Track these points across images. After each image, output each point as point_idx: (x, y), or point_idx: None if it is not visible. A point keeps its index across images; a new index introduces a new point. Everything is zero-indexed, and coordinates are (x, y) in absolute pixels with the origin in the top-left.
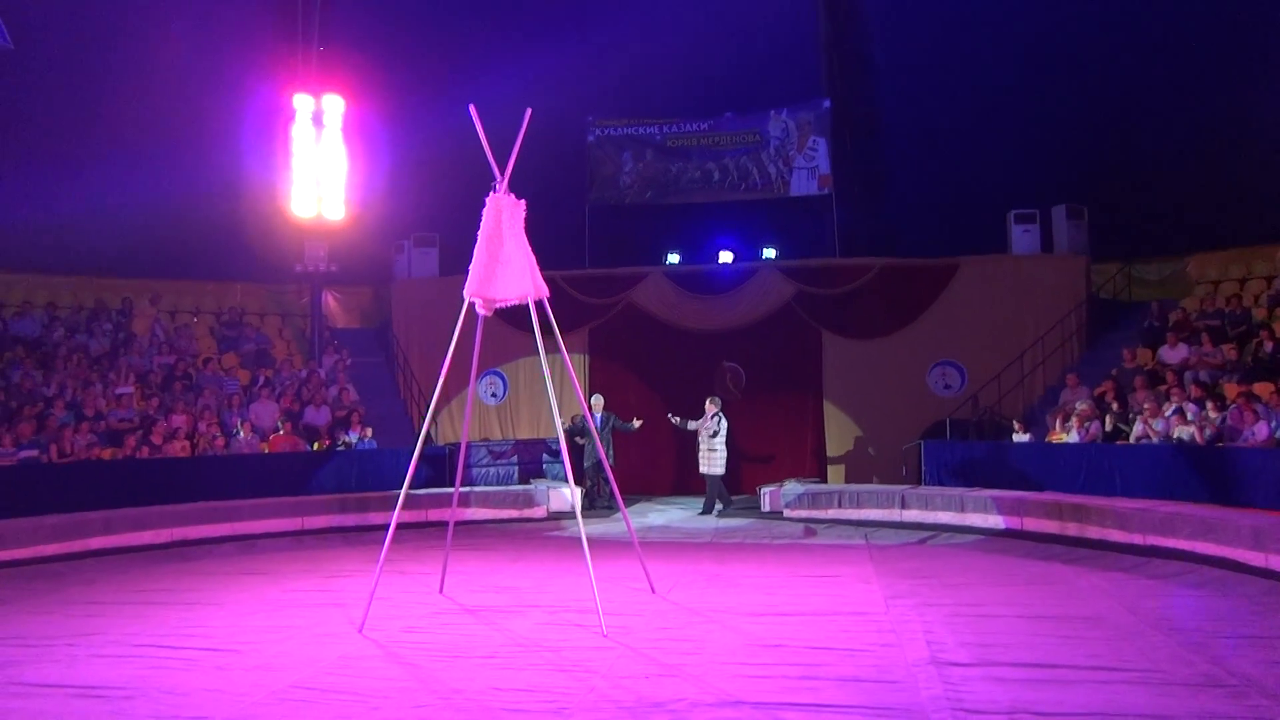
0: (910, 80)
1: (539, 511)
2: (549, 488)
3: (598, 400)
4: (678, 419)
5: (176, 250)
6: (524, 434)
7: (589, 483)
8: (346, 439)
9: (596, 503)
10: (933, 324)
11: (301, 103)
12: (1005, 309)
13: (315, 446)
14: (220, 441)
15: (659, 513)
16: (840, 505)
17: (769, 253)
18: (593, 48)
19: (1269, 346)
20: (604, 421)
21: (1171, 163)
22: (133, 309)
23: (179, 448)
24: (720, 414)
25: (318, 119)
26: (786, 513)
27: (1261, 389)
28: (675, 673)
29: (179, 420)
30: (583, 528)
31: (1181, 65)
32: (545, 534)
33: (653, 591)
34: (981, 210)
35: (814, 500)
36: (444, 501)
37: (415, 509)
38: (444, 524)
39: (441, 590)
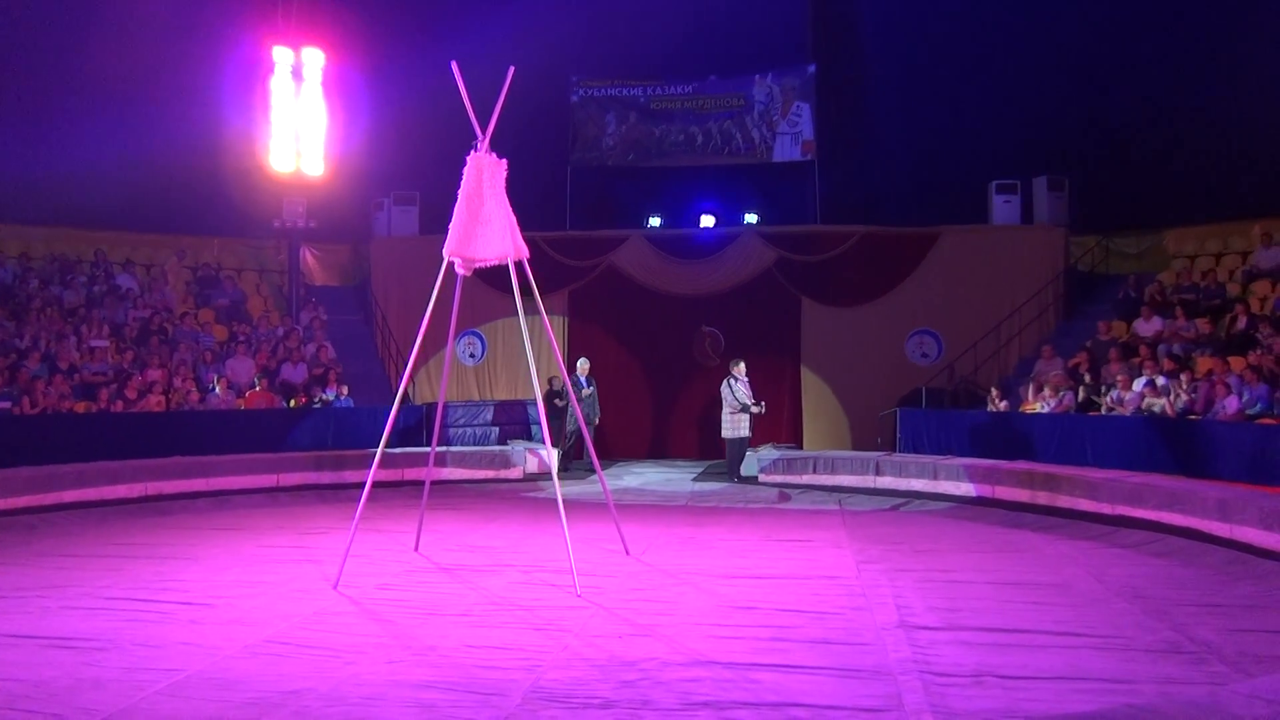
0: (896, 48)
1: (515, 472)
2: (526, 449)
3: (584, 364)
4: (758, 407)
5: (152, 203)
6: (502, 395)
7: (569, 444)
8: (323, 396)
9: (572, 465)
10: (912, 292)
11: (281, 55)
12: (984, 279)
13: (292, 404)
14: (195, 396)
15: (635, 476)
16: (815, 471)
17: (750, 218)
18: (578, 5)
19: (1242, 321)
20: (588, 384)
21: (1152, 137)
22: (108, 261)
23: (154, 402)
24: (736, 376)
25: (297, 72)
26: (762, 478)
27: (1234, 363)
28: (647, 633)
29: (154, 374)
30: (559, 489)
31: (1163, 41)
32: (521, 495)
33: (627, 553)
34: (963, 180)
35: (789, 466)
36: (420, 461)
37: (392, 468)
38: (420, 483)
39: (417, 548)
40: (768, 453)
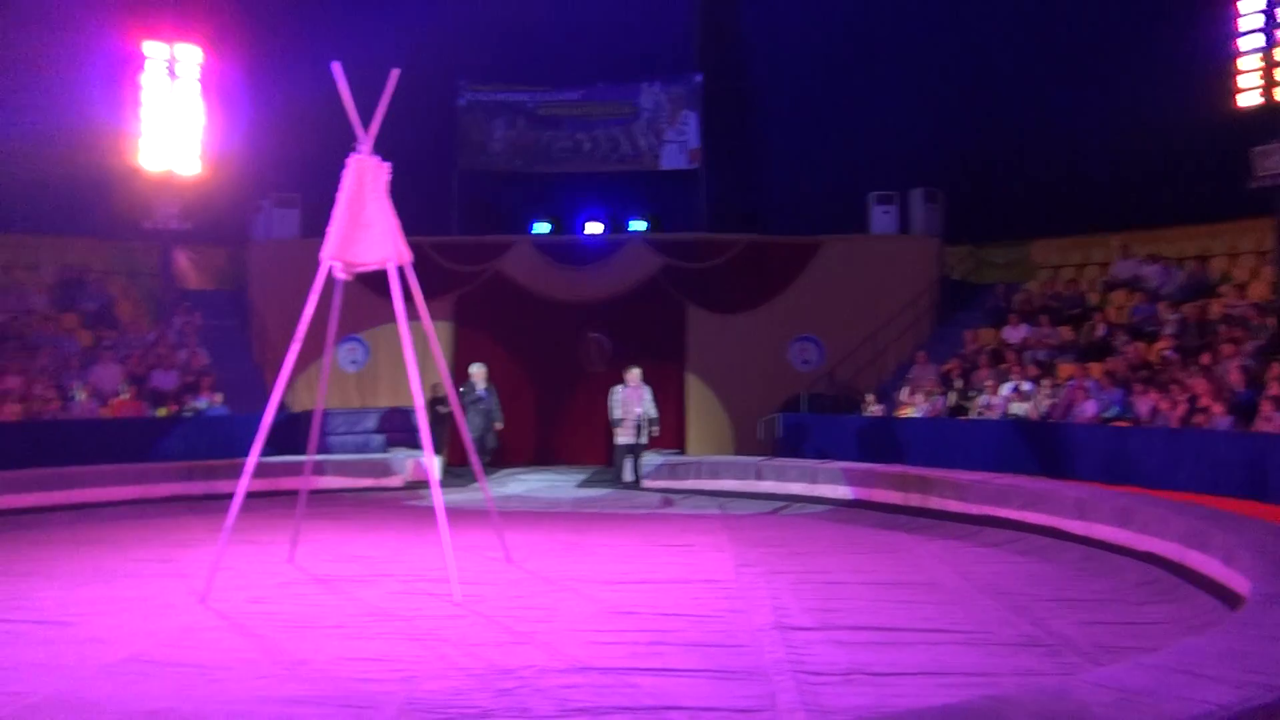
0: (780, 61)
1: (396, 480)
2: (407, 456)
3: (479, 369)
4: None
5: (9, 201)
6: (385, 402)
7: (483, 451)
8: (195, 404)
9: (489, 471)
10: (794, 300)
11: (153, 50)
12: (863, 287)
13: (161, 412)
14: (55, 405)
15: (520, 482)
16: (698, 476)
17: (638, 225)
18: (466, 9)
19: (1101, 329)
20: (487, 392)
21: (1020, 153)
22: None
23: (11, 411)
24: (644, 384)
25: (172, 68)
26: (645, 483)
27: (1093, 369)
28: (526, 640)
29: (11, 382)
30: (438, 496)
31: (1030, 63)
32: (402, 503)
33: (508, 560)
34: (844, 190)
35: (673, 471)
36: (297, 470)
37: (266, 477)
38: (296, 493)
39: (291, 560)
40: (651, 458)
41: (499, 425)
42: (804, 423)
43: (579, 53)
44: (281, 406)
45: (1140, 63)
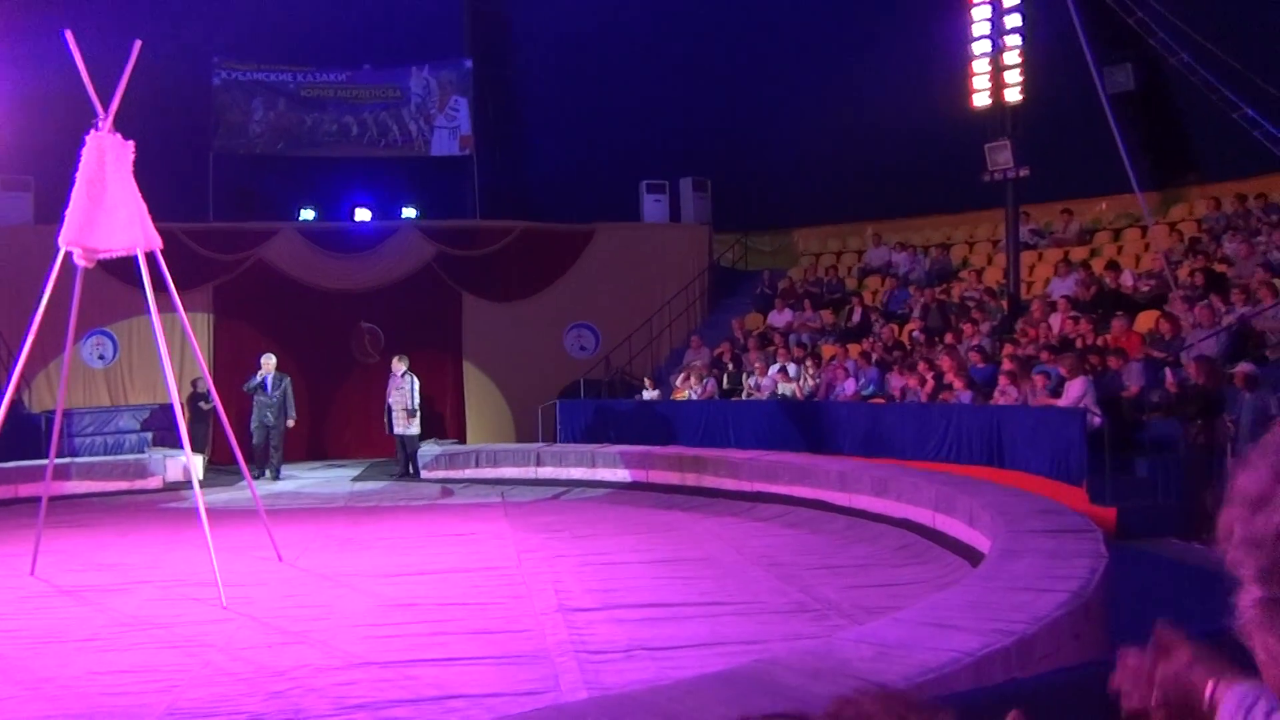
0: (550, 48)
1: (154, 482)
2: (165, 456)
3: (269, 360)
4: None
5: None
6: (141, 399)
7: (258, 446)
8: None
9: (265, 471)
10: (570, 287)
11: None
12: (637, 274)
13: None
14: None
15: (291, 478)
16: (478, 465)
17: (409, 212)
18: None
19: (858, 313)
20: (276, 383)
21: (783, 145)
22: None
23: None
24: (410, 373)
25: None
26: (424, 474)
27: (851, 350)
28: (300, 640)
29: None
30: (200, 496)
31: (790, 61)
32: (161, 505)
33: (280, 559)
34: (617, 178)
35: (451, 460)
36: (37, 475)
37: (3, 484)
38: (38, 499)
39: (33, 572)
40: (430, 449)
41: (291, 421)
42: (582, 408)
43: (344, 33)
44: (19, 407)
45: (888, 63)
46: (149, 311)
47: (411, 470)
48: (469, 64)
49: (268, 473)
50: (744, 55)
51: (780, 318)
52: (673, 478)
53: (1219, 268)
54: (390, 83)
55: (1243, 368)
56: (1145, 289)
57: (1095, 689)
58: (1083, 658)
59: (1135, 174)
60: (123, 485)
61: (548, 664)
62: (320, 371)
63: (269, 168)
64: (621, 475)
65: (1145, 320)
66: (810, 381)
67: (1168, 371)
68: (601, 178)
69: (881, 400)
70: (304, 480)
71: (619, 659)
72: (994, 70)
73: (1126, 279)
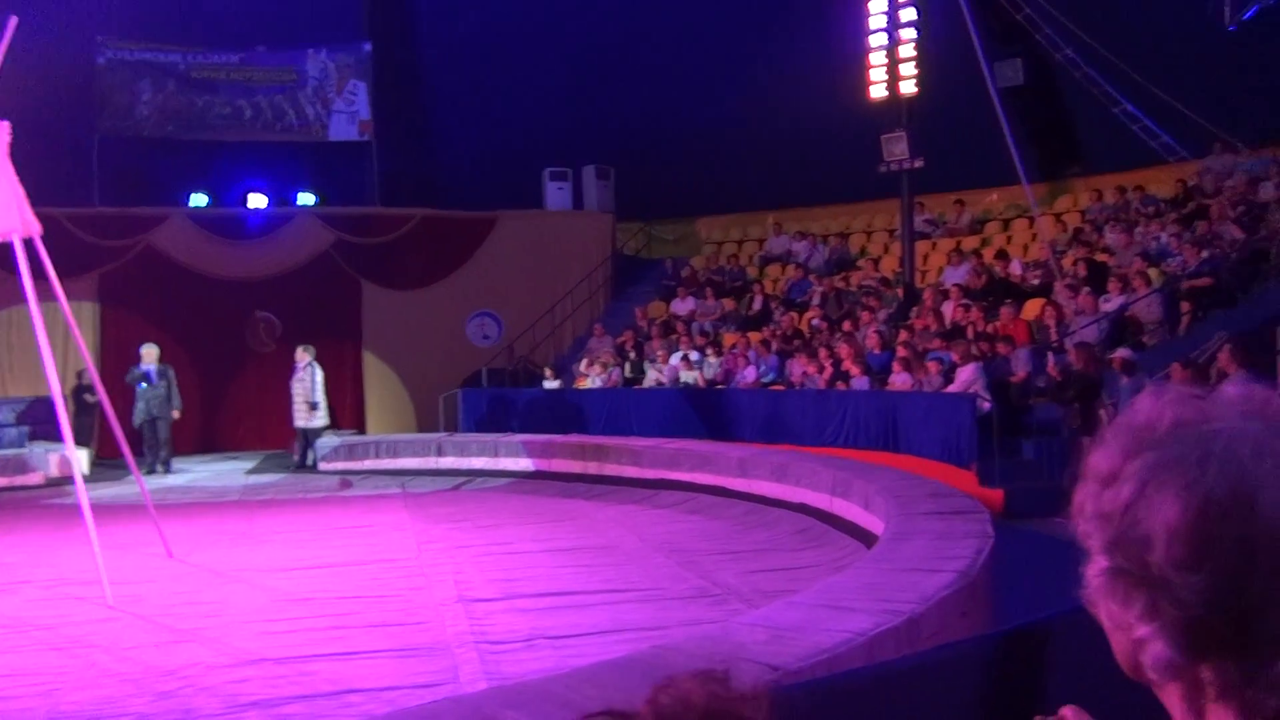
0: (451, 32)
1: (34, 478)
2: (47, 450)
3: (151, 350)
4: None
5: None
6: (19, 392)
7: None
8: None
9: (155, 465)
10: (472, 275)
11: None
12: (540, 262)
13: None
14: None
15: (182, 472)
16: (378, 455)
17: (306, 198)
18: None
19: (759, 301)
20: (160, 374)
21: (685, 135)
22: None
23: None
24: (314, 363)
25: None
26: (322, 465)
27: (752, 338)
28: (191, 638)
29: None
30: (83, 490)
31: (690, 45)
32: (43, 502)
33: (169, 555)
34: (520, 165)
35: (350, 452)
36: None
37: None
38: None
39: None
40: (328, 440)
41: (177, 413)
42: (485, 397)
43: (236, 13)
44: None
45: (788, 53)
46: (27, 300)
47: (309, 462)
48: (368, 47)
49: (157, 467)
50: (648, 43)
51: (682, 306)
52: (575, 466)
53: (1100, 257)
54: (286, 65)
55: (1121, 354)
56: (1033, 278)
57: (979, 663)
58: (970, 634)
59: (1023, 166)
60: (1, 481)
61: (447, 655)
62: (214, 362)
63: (158, 151)
64: (524, 464)
65: (1032, 308)
66: (712, 369)
67: (1051, 357)
68: (504, 165)
69: (781, 387)
70: (195, 474)
71: (520, 649)
72: (890, 63)
73: (1015, 268)
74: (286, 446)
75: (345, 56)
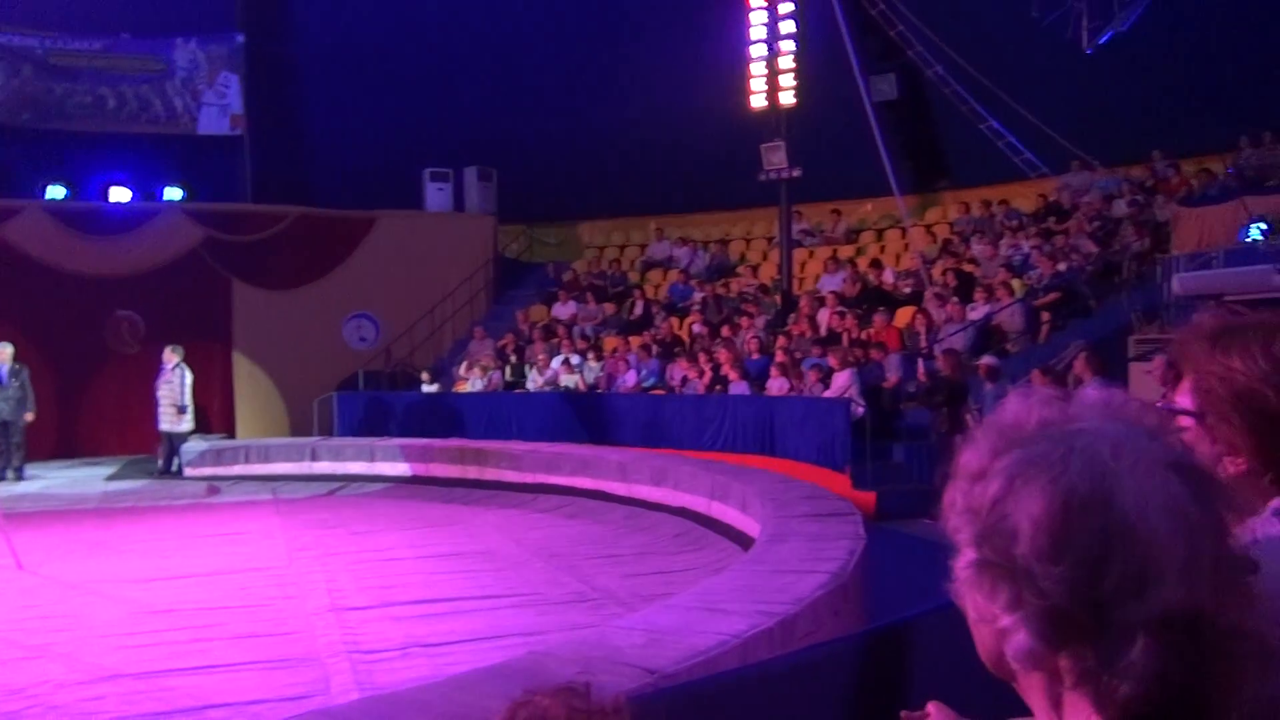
0: (329, 28)
1: None
2: None
3: (4, 349)
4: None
5: None
6: None
7: None
8: None
9: (6, 471)
10: (349, 276)
11: None
12: (420, 264)
13: None
14: None
15: (35, 479)
16: (248, 460)
17: (173, 193)
18: None
19: (640, 306)
20: (13, 375)
21: (568, 140)
22: None
23: None
24: (183, 365)
25: None
26: (188, 471)
27: (633, 342)
28: (41, 653)
29: None
30: None
31: (573, 49)
32: None
33: (19, 566)
34: (399, 165)
35: (219, 457)
36: None
37: None
38: None
39: None
40: (194, 444)
41: (30, 415)
42: (361, 401)
43: None
44: None
45: (674, 61)
46: None
47: (174, 468)
48: (240, 38)
49: (9, 473)
50: (533, 46)
51: (564, 310)
52: (454, 471)
53: (968, 268)
54: (152, 54)
55: (986, 361)
56: (904, 286)
57: (848, 661)
58: (843, 633)
59: (896, 178)
60: None
61: (318, 666)
62: (73, 362)
63: (12, 140)
64: (402, 469)
65: (904, 315)
66: (593, 373)
67: (921, 363)
68: (384, 164)
69: (661, 392)
70: (51, 480)
71: (394, 657)
72: (770, 74)
73: (888, 276)
74: (150, 451)
75: (217, 47)
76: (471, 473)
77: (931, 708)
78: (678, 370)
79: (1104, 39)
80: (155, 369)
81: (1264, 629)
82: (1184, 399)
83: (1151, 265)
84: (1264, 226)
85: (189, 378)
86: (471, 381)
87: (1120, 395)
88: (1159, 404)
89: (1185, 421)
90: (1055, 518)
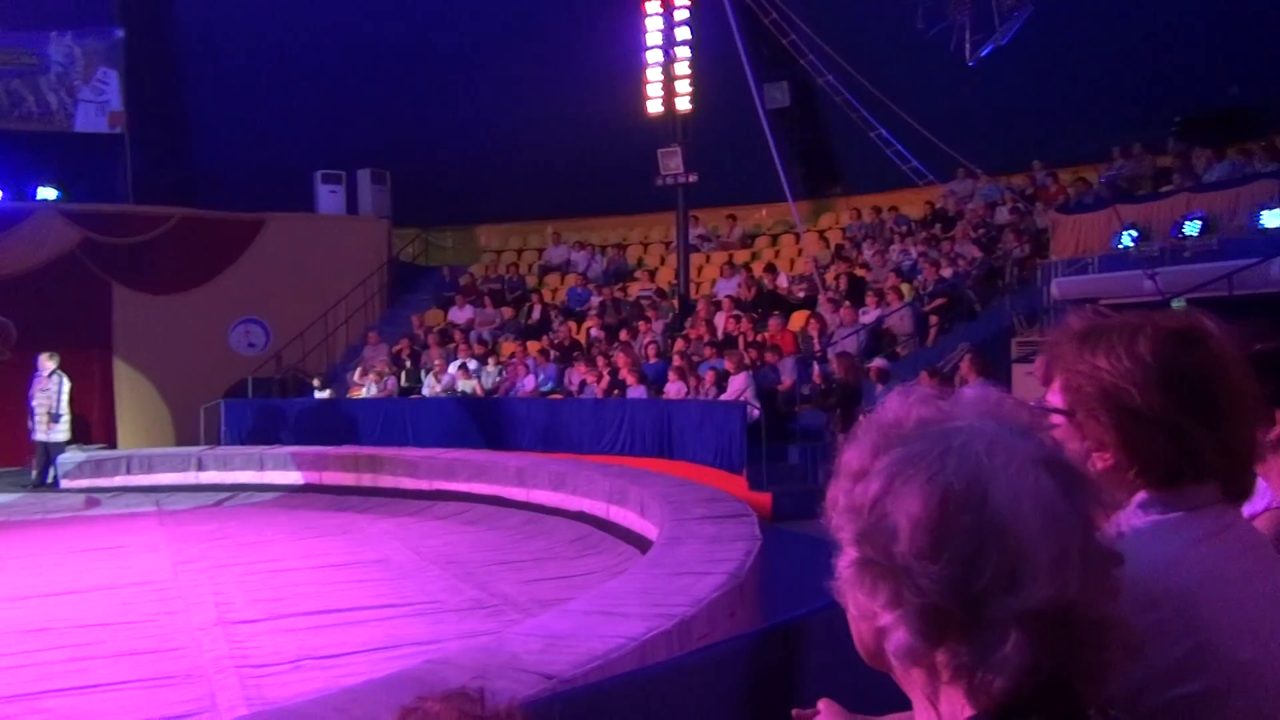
0: (218, 23)
1: None
2: None
3: None
4: None
5: None
6: None
7: None
8: None
9: None
10: (237, 280)
11: None
12: (311, 267)
13: None
14: None
15: None
16: (129, 471)
17: (47, 193)
18: None
19: (537, 310)
20: None
21: (465, 143)
22: None
23: None
24: (59, 371)
25: None
26: (65, 483)
27: (531, 347)
28: None
29: None
30: None
31: (470, 52)
32: None
33: None
34: (289, 167)
35: (98, 468)
36: None
37: None
38: None
39: None
40: (71, 455)
41: None
42: (250, 408)
43: None
44: None
45: (570, 65)
46: None
47: (49, 479)
48: (119, 33)
49: None
50: (428, 46)
51: (461, 314)
52: (348, 478)
53: (859, 272)
54: (25, 47)
55: (877, 363)
56: (798, 291)
57: (742, 661)
58: (739, 633)
59: (789, 184)
60: None
61: (204, 682)
62: None
63: None
64: (293, 477)
65: (798, 319)
66: (491, 378)
67: (815, 366)
68: (273, 165)
69: (560, 396)
70: None
71: (285, 671)
72: (666, 79)
73: (783, 281)
74: (23, 463)
75: (94, 42)
76: (366, 480)
77: (822, 705)
78: (576, 374)
79: (985, 52)
80: (29, 376)
81: (1128, 619)
82: (1055, 397)
83: (1032, 270)
84: (1134, 234)
85: (66, 385)
86: (366, 387)
87: (995, 394)
88: (1033, 403)
89: (1056, 419)
90: (933, 517)
